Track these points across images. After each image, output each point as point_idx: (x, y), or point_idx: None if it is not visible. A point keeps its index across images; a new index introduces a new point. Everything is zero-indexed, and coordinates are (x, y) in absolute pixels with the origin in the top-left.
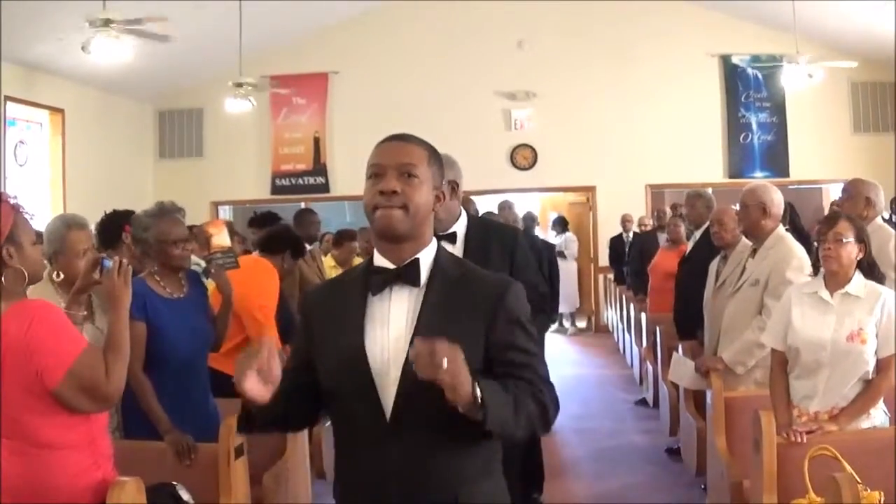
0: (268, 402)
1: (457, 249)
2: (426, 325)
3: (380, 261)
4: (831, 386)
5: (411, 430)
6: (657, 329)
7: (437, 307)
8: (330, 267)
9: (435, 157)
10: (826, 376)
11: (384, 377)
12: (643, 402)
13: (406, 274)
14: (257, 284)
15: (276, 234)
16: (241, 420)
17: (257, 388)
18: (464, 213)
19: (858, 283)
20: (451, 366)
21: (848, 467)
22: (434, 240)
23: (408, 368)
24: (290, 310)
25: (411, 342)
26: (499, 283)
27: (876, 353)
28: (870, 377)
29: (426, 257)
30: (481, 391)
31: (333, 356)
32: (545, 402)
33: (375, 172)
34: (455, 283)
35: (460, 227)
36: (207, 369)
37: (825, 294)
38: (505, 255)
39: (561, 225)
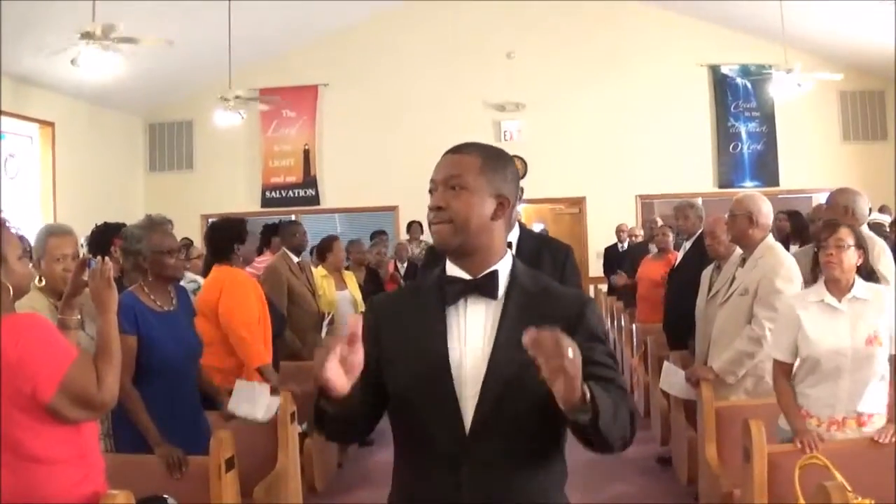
0: (347, 395)
1: None
2: (506, 340)
3: (453, 270)
4: (854, 391)
5: (488, 444)
6: (647, 338)
7: (517, 321)
8: (321, 276)
9: (491, 163)
10: (848, 382)
11: (461, 390)
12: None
13: (483, 286)
14: (235, 299)
15: (215, 237)
16: (315, 415)
17: (339, 376)
18: (517, 225)
19: (862, 286)
20: (576, 359)
21: (838, 476)
22: (509, 252)
23: (488, 382)
24: (278, 307)
25: (490, 356)
26: (577, 299)
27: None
28: (882, 376)
29: (503, 269)
30: (591, 391)
31: (413, 365)
32: (632, 414)
33: (430, 189)
34: (533, 298)
35: (513, 238)
36: (196, 382)
37: (832, 300)
38: (556, 269)
39: None
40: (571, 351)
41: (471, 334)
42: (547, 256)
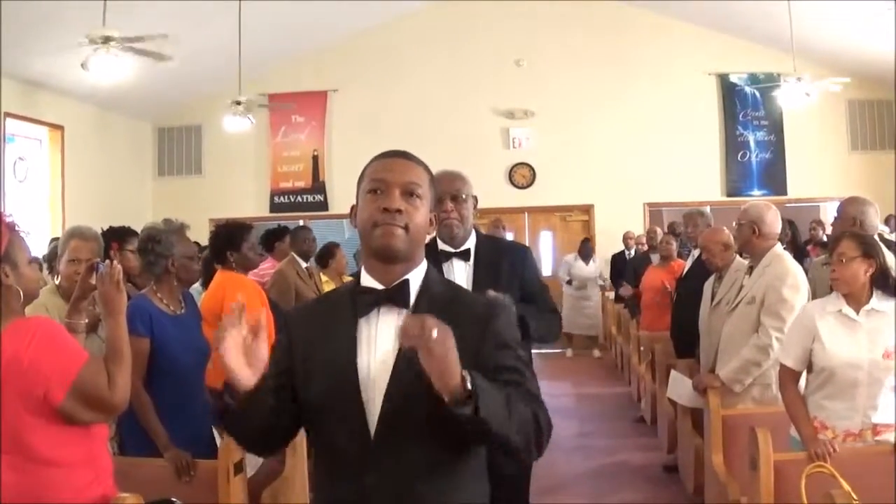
0: (252, 389)
1: (468, 266)
2: (409, 348)
3: (368, 281)
4: (869, 403)
5: (393, 453)
6: (655, 347)
7: None
8: (323, 283)
9: (433, 179)
10: (864, 395)
11: (369, 399)
12: (641, 419)
13: (395, 295)
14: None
15: (214, 240)
16: (220, 407)
17: (241, 366)
18: (474, 231)
19: (880, 297)
20: (441, 337)
21: (845, 485)
22: (424, 261)
23: (391, 391)
24: (282, 311)
25: (393, 365)
26: (487, 307)
27: None
28: (892, 387)
29: (416, 278)
30: (472, 378)
31: (323, 376)
32: (538, 415)
33: (378, 188)
34: (442, 306)
35: (471, 245)
36: (205, 385)
37: (850, 312)
38: (516, 271)
39: (587, 252)
40: (437, 331)
41: (381, 345)
42: (505, 260)
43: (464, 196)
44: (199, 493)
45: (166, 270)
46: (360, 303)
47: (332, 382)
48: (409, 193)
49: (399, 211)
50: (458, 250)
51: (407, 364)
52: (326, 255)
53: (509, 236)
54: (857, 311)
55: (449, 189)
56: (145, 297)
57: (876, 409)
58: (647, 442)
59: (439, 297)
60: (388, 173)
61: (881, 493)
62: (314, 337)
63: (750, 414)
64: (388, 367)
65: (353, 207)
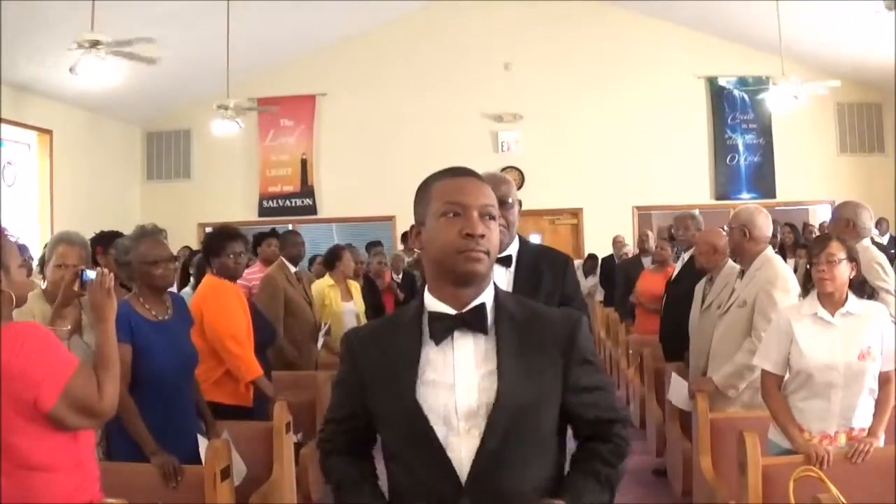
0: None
1: (509, 273)
2: (509, 372)
3: (436, 305)
4: (845, 405)
5: (490, 481)
6: (644, 350)
7: (513, 352)
8: (328, 286)
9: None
10: (840, 397)
11: (457, 432)
12: (630, 422)
13: (472, 320)
14: (219, 311)
15: (202, 245)
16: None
17: None
18: (516, 238)
19: (855, 301)
20: None
21: (833, 488)
22: (492, 280)
23: (496, 418)
24: (266, 318)
25: (498, 390)
26: (567, 321)
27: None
28: (871, 390)
29: (488, 300)
30: None
31: (392, 415)
32: (620, 453)
33: (456, 212)
34: (523, 325)
35: (513, 251)
36: (192, 392)
37: (825, 315)
38: (557, 281)
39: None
40: None
41: (461, 372)
42: (546, 268)
43: (510, 201)
44: (185, 498)
45: (129, 276)
46: (435, 330)
47: (405, 423)
48: (487, 216)
49: (482, 236)
50: (499, 256)
51: (512, 389)
52: (333, 258)
53: None
54: (833, 314)
55: (496, 194)
56: (127, 303)
57: (852, 412)
58: (636, 445)
59: (517, 316)
60: (466, 196)
61: (869, 497)
62: (381, 366)
63: (738, 417)
64: (473, 394)
65: (412, 227)
